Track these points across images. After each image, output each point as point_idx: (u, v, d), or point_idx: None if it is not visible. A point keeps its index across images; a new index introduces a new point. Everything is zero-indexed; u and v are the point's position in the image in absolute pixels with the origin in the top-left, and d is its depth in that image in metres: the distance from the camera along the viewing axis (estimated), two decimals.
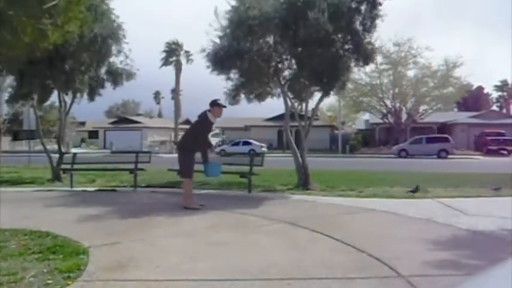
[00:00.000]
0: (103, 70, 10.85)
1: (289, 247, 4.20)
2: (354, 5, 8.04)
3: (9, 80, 12.20)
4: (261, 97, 9.99)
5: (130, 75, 11.17)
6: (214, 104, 6.61)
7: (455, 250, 4.08)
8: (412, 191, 7.95)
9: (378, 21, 8.25)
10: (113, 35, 9.93)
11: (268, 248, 4.17)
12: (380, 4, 8.13)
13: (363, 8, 8.13)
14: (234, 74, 9.29)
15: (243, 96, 9.83)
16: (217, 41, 8.74)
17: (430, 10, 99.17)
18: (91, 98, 11.18)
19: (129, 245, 4.22)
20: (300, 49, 8.43)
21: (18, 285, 3.04)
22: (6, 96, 12.40)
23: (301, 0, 7.84)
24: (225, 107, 6.82)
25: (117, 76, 11.03)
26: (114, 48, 10.30)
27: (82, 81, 10.11)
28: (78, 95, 10.95)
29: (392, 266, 3.49)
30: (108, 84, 11.22)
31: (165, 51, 40.56)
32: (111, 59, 10.72)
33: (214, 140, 40.09)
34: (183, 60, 41.03)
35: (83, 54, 9.51)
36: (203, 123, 6.65)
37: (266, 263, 3.62)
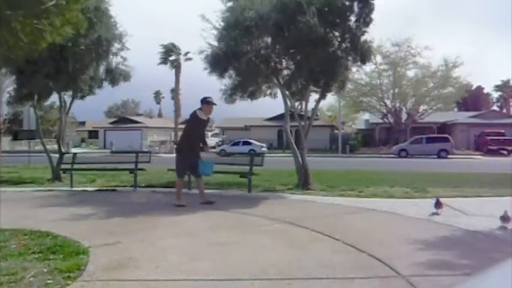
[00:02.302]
0: (101, 70, 10.87)
1: (289, 247, 4.20)
2: (346, 3, 8.03)
3: (9, 80, 12.21)
4: (253, 96, 9.98)
5: (127, 77, 11.20)
6: (204, 101, 6.76)
7: (455, 250, 4.08)
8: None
9: (372, 16, 8.23)
10: (115, 38, 9.99)
11: (268, 248, 4.17)
12: None
13: (355, 5, 8.12)
14: (231, 75, 9.30)
15: (239, 95, 9.82)
16: (214, 43, 8.77)
17: (428, 10, 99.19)
18: (82, 97, 11.19)
19: (129, 245, 4.22)
20: (294, 50, 8.43)
21: (18, 285, 3.04)
22: (6, 96, 12.41)
23: (293, 2, 7.83)
24: (214, 104, 6.92)
25: (115, 76, 11.05)
26: (112, 50, 10.34)
27: (84, 80, 10.13)
28: (78, 94, 10.95)
29: (393, 266, 3.49)
30: (106, 84, 11.25)
31: (161, 52, 40.41)
32: (110, 59, 10.75)
33: (214, 140, 40.11)
34: (181, 61, 40.96)
35: (85, 55, 9.53)
36: (194, 122, 6.82)
37: (266, 262, 3.62)
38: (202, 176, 7.02)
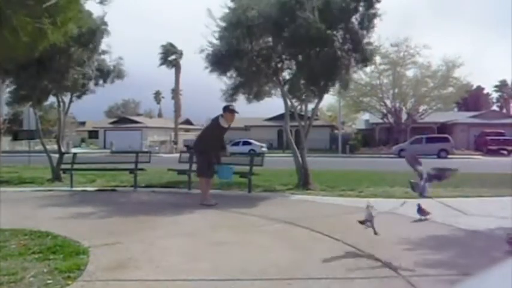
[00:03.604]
0: (93, 67, 10.82)
1: (289, 247, 4.20)
2: (351, 5, 8.02)
3: (8, 81, 12.17)
4: (259, 96, 9.97)
5: (120, 74, 11.14)
6: (226, 109, 6.89)
7: (455, 250, 4.08)
8: None
9: (375, 21, 8.24)
10: (98, 29, 9.91)
11: (268, 248, 4.17)
12: (378, 1, 8.12)
13: (360, 7, 8.11)
14: (233, 75, 9.29)
15: (241, 95, 9.81)
16: (216, 42, 8.75)
17: (427, 10, 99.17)
18: (79, 96, 11.12)
19: (129, 245, 4.22)
20: (295, 49, 8.41)
21: (18, 285, 3.04)
22: (5, 96, 12.37)
23: (292, 0, 7.83)
24: (237, 112, 7.01)
25: (106, 74, 11.00)
26: (101, 46, 10.29)
27: (75, 80, 10.06)
28: (74, 94, 10.90)
29: (393, 266, 3.49)
30: (105, 83, 11.19)
31: (160, 53, 40.40)
32: (101, 57, 10.70)
33: None
34: (180, 61, 40.98)
35: (72, 50, 9.45)
36: (213, 127, 6.96)
37: (266, 262, 3.62)
38: (211, 179, 7.07)
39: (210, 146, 6.94)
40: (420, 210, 5.55)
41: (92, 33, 9.65)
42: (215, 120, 6.92)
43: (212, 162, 6.93)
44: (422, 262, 3.63)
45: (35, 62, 8.69)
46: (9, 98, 11.45)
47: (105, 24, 10.05)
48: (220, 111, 7.00)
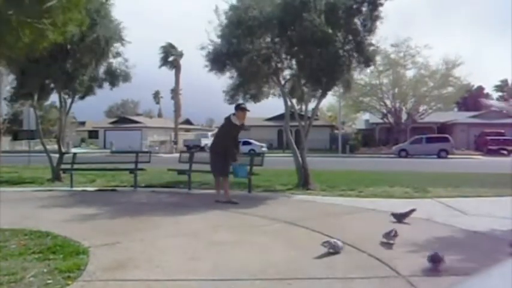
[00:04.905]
0: (101, 70, 10.85)
1: (289, 247, 4.20)
2: (354, 6, 8.02)
3: (10, 78, 12.18)
4: (256, 98, 9.97)
5: (127, 77, 11.16)
6: (238, 107, 7.04)
7: (455, 250, 4.08)
8: None
9: (378, 23, 8.24)
10: (115, 36, 9.95)
11: (268, 248, 4.17)
12: (381, 5, 8.12)
13: (363, 8, 8.11)
14: (233, 73, 9.29)
15: (242, 95, 9.81)
16: (217, 40, 8.76)
17: (427, 9, 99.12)
18: (82, 97, 11.13)
19: (129, 245, 4.22)
20: (297, 49, 8.41)
21: (18, 285, 3.05)
22: (6, 94, 12.38)
23: (297, 1, 7.83)
24: (248, 110, 7.15)
25: (115, 77, 11.02)
26: (113, 50, 10.30)
27: (82, 81, 10.10)
28: (77, 95, 10.92)
29: (393, 266, 3.49)
30: (105, 85, 11.21)
31: (160, 53, 40.36)
32: (110, 60, 10.73)
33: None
34: (180, 61, 40.97)
35: (84, 55, 9.52)
36: (227, 126, 7.03)
37: (266, 262, 3.62)
38: (227, 177, 7.14)
39: (226, 146, 7.00)
40: (396, 216, 5.39)
41: (106, 41, 9.68)
42: (228, 119, 7.01)
43: (224, 162, 7.00)
44: (423, 262, 3.62)
45: (44, 59, 8.71)
46: (10, 95, 11.47)
47: (121, 31, 10.09)
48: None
